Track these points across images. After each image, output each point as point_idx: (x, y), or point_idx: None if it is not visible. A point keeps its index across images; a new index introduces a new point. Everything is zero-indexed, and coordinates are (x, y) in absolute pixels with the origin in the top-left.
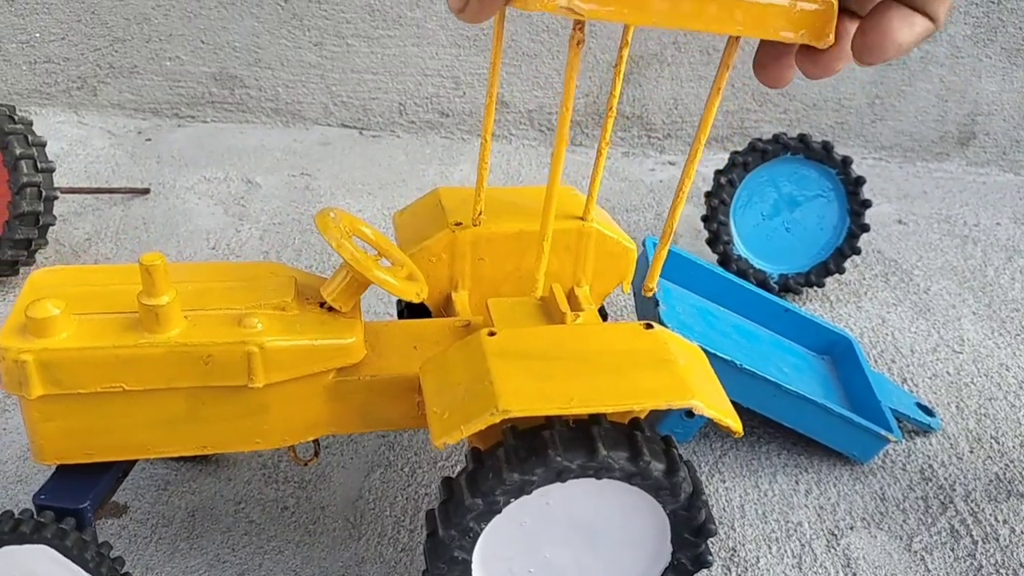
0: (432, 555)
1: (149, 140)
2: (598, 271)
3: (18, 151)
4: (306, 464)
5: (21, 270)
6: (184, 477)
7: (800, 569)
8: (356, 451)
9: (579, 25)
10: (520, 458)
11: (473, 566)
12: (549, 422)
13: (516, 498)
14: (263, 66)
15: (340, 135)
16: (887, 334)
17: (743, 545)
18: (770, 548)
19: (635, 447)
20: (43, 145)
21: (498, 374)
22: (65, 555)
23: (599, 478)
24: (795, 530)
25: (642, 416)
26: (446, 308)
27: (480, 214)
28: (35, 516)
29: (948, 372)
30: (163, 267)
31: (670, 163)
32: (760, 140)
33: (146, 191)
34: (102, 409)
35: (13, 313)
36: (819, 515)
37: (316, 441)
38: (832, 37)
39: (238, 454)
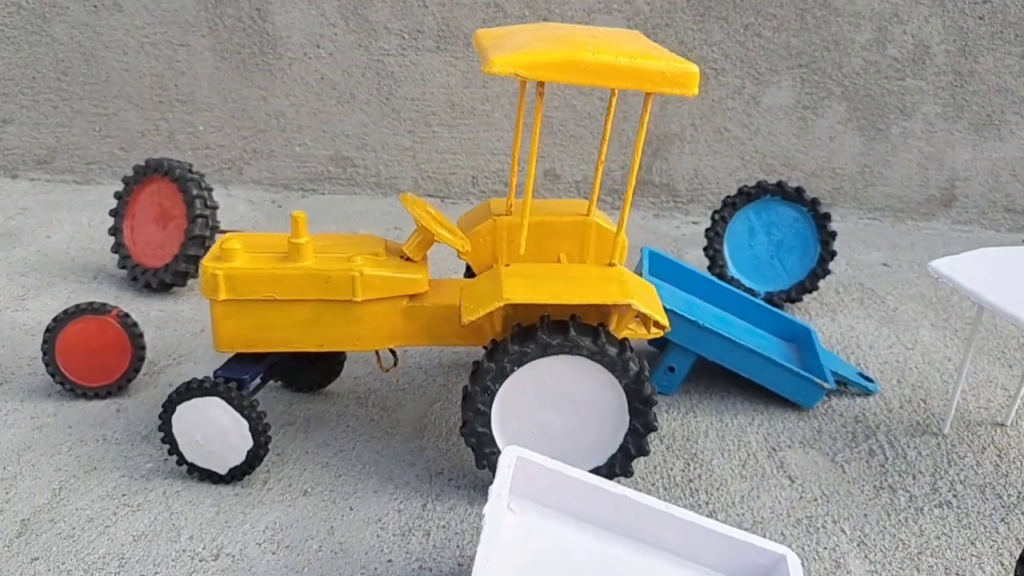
0: (464, 408)
1: (280, 207)
2: (598, 253)
3: (195, 192)
4: (387, 371)
5: (188, 282)
6: (303, 399)
7: (744, 467)
8: (424, 392)
9: (540, 83)
10: (520, 338)
11: (492, 421)
12: (541, 319)
13: (518, 366)
14: (368, 149)
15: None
16: (853, 337)
17: (702, 452)
18: (722, 455)
19: (597, 334)
20: (211, 190)
21: (507, 282)
22: (230, 404)
23: (572, 354)
24: (744, 446)
25: (613, 325)
26: None
27: (511, 207)
28: (214, 380)
29: (897, 360)
30: (305, 219)
31: (693, 222)
32: (746, 186)
33: None
34: (261, 312)
35: (210, 252)
36: (765, 438)
37: (394, 353)
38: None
39: (340, 386)
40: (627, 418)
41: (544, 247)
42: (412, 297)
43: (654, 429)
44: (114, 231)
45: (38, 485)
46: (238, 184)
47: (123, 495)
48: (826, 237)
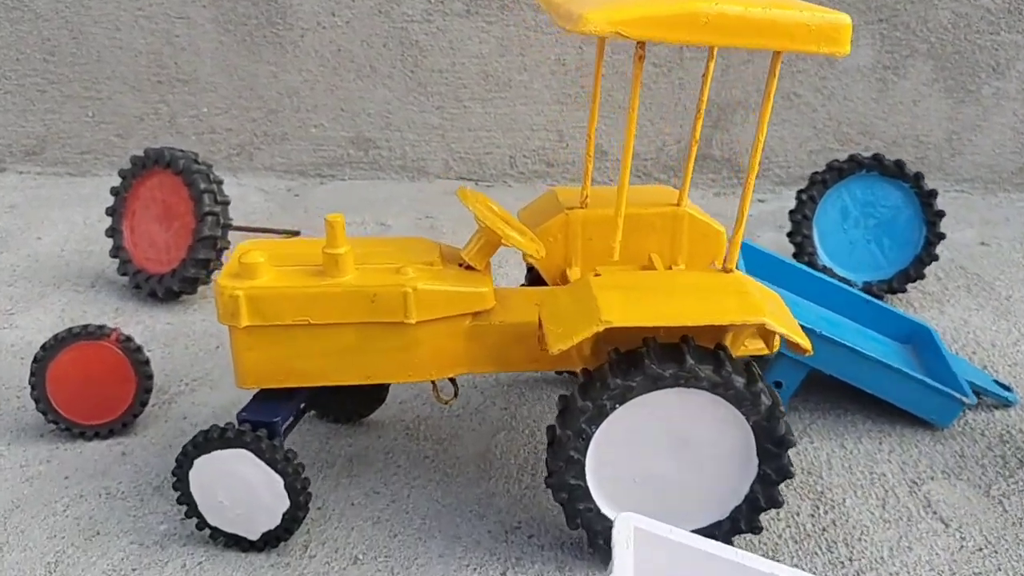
0: (552, 457)
1: (297, 196)
2: (692, 251)
3: (202, 186)
4: (447, 403)
5: (199, 289)
6: (341, 433)
7: (884, 508)
8: (483, 419)
9: (640, 44)
10: (622, 369)
11: (587, 471)
12: (645, 343)
13: (620, 404)
14: (393, 129)
15: (459, 186)
16: (968, 332)
17: (830, 490)
18: (855, 493)
19: (719, 361)
20: (220, 183)
21: (602, 298)
22: (260, 457)
23: (688, 387)
24: (879, 479)
25: (727, 343)
26: (562, 283)
27: (587, 198)
28: (237, 427)
29: None
30: (343, 223)
31: (759, 200)
32: (837, 160)
33: (297, 232)
34: (293, 340)
35: (227, 267)
36: (901, 468)
37: (455, 382)
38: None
39: (384, 414)
40: (755, 462)
41: (629, 245)
42: (476, 315)
43: (789, 476)
44: (112, 232)
45: (28, 558)
46: (249, 171)
47: (133, 569)
48: (932, 217)
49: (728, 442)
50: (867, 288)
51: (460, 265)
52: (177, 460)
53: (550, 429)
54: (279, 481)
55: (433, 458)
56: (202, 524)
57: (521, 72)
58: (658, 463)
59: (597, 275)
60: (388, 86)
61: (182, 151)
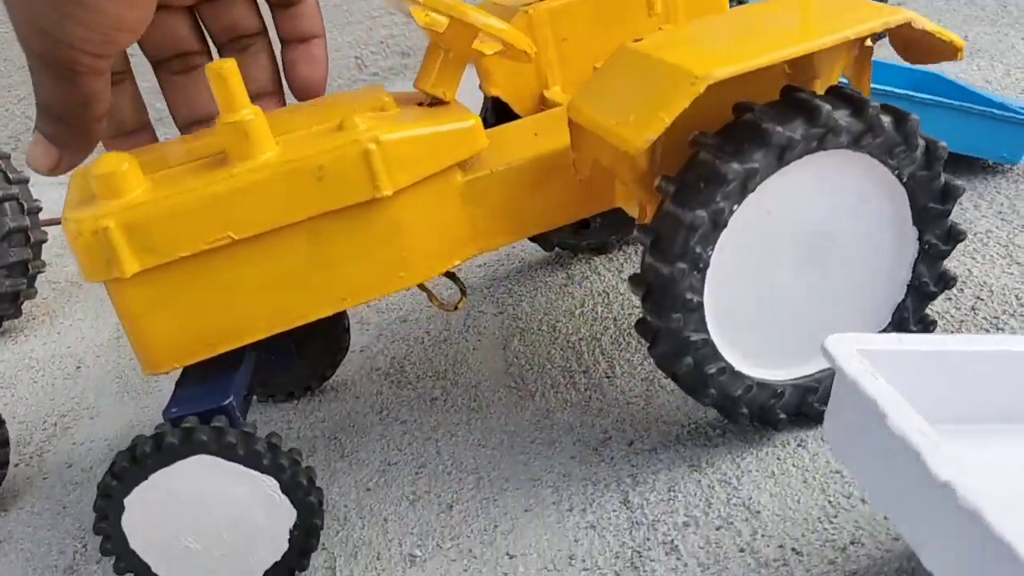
0: (659, 311)
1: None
2: (691, 13)
3: None
4: (456, 308)
5: (25, 306)
6: (304, 411)
7: (1018, 263)
8: (480, 332)
9: None
10: (729, 151)
11: (707, 317)
12: (743, 110)
13: (739, 202)
14: None
15: None
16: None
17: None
18: (975, 259)
19: (853, 101)
20: (7, 158)
21: (673, 56)
22: (231, 458)
23: (825, 148)
24: (989, 237)
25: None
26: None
27: None
28: (176, 425)
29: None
30: (235, 71)
31: None
32: None
33: None
34: (213, 277)
35: (69, 196)
36: (1002, 219)
37: (459, 281)
38: None
39: (349, 375)
40: (914, 235)
41: (614, 38)
42: (466, 167)
43: (962, 237)
44: None
45: None
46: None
47: None
48: None
49: (876, 216)
50: None
51: (421, 104)
52: (96, 507)
53: (640, 277)
54: (271, 483)
55: (443, 397)
56: None
57: None
58: (792, 276)
59: (637, 41)
60: None
61: None
